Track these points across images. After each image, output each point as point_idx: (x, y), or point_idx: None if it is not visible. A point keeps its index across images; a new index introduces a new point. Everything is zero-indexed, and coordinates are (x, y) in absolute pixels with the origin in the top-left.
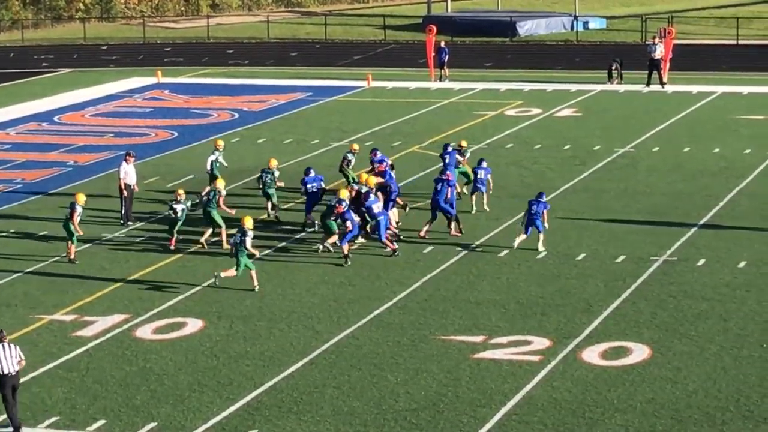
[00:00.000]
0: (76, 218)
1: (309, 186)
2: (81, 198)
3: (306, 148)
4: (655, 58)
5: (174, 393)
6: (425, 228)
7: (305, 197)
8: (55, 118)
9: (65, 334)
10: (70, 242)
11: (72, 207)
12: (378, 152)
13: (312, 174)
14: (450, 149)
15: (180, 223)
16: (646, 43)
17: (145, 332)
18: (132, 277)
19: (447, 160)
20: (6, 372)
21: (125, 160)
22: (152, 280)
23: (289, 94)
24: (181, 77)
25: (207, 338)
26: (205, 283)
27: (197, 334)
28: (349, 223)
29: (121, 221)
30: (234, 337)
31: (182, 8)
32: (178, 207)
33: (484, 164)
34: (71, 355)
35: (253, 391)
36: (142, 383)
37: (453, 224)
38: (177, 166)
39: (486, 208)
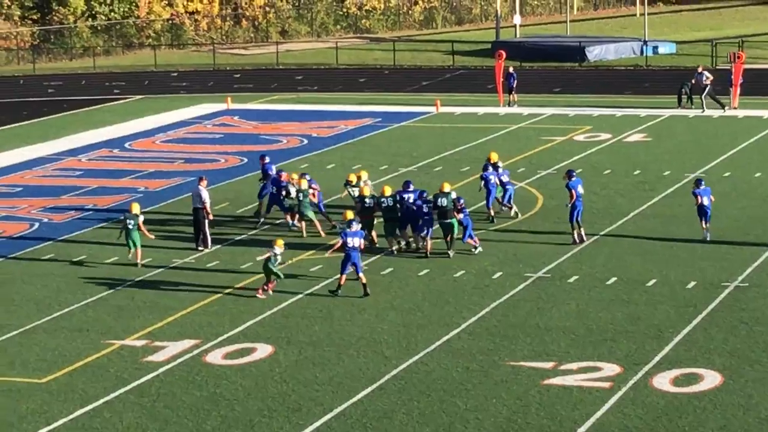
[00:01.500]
0: (143, 226)
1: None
2: (136, 207)
3: (374, 174)
4: (702, 84)
5: (244, 418)
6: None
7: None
8: (126, 145)
9: (136, 360)
10: (136, 249)
11: (130, 218)
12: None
13: (411, 187)
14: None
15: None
16: (698, 71)
17: (216, 357)
18: (202, 303)
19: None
20: None
21: (199, 185)
22: (222, 306)
23: (357, 119)
24: (251, 103)
25: (276, 364)
26: (277, 308)
27: (267, 359)
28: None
29: (195, 246)
30: (303, 362)
31: (252, 35)
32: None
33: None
34: (142, 380)
35: (322, 417)
36: (213, 408)
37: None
38: (246, 193)
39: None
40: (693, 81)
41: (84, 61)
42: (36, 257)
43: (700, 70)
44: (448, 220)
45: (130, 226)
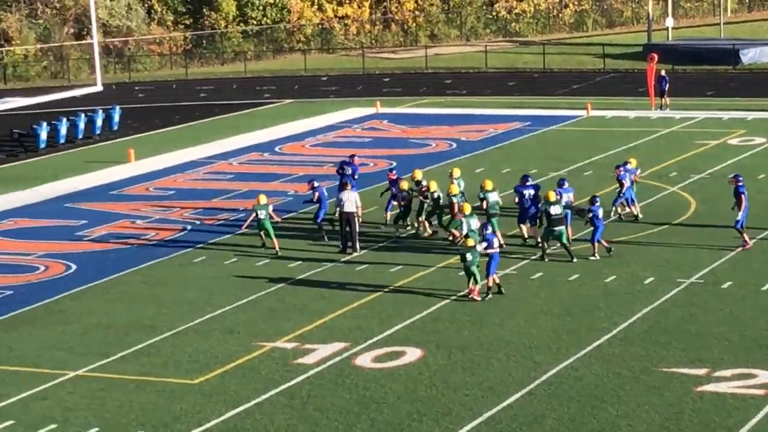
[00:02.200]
0: (274, 214)
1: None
2: (263, 198)
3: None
4: None
5: (393, 422)
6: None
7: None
8: (277, 148)
9: (286, 362)
10: (272, 239)
11: (260, 209)
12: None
13: (566, 185)
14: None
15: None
16: None
17: (365, 360)
18: (352, 306)
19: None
20: None
21: (344, 189)
22: (371, 309)
23: (507, 123)
24: (400, 107)
25: (426, 367)
26: (426, 311)
27: (416, 363)
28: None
29: (340, 249)
30: (453, 366)
31: (401, 39)
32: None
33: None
34: (292, 382)
35: (472, 422)
36: (362, 411)
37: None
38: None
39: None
40: None
41: (235, 66)
42: (188, 260)
43: None
44: (556, 229)
45: (262, 216)
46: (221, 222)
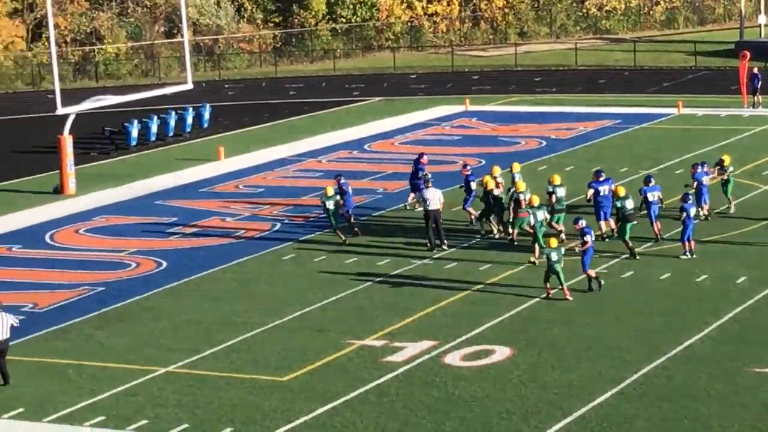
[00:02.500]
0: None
1: (649, 195)
2: (330, 189)
3: (614, 177)
4: None
5: (482, 420)
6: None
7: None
8: (366, 146)
9: (375, 360)
10: (337, 231)
11: (329, 200)
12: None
13: (653, 183)
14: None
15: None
16: None
17: (454, 359)
18: (440, 304)
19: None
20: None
21: (427, 187)
22: (460, 307)
23: (597, 121)
24: (489, 105)
25: (515, 366)
26: (515, 310)
27: (505, 361)
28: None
29: (429, 248)
30: (542, 365)
31: (490, 37)
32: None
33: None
34: (381, 380)
35: (561, 421)
36: (451, 410)
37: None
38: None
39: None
40: None
41: (324, 64)
42: (277, 257)
43: None
44: (626, 224)
45: (331, 207)
46: (310, 219)
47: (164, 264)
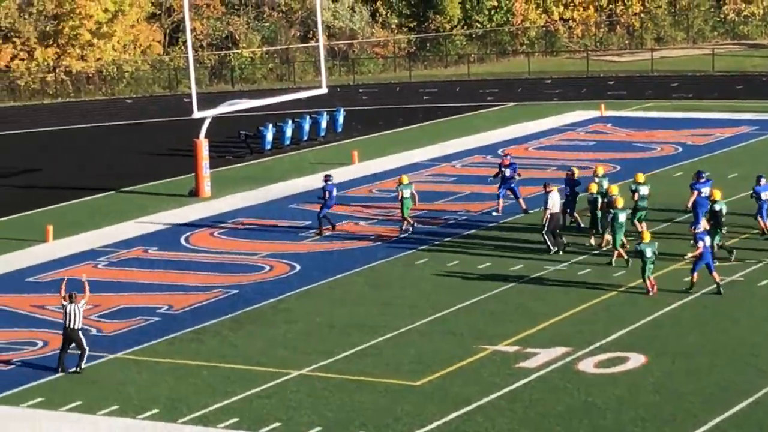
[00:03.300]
0: (416, 194)
1: (763, 194)
2: (405, 178)
3: (751, 184)
4: None
5: (615, 428)
6: None
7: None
8: (499, 151)
9: (508, 365)
10: (406, 218)
11: (404, 188)
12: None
13: (764, 182)
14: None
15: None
16: None
17: (587, 366)
18: (574, 310)
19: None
20: (72, 327)
21: (547, 191)
22: (594, 314)
23: (734, 127)
24: (624, 111)
25: (649, 373)
26: (650, 317)
27: (639, 368)
28: None
29: (554, 251)
30: (676, 373)
31: (626, 42)
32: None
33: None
34: (514, 386)
35: (695, 430)
36: (584, 417)
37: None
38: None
39: None
40: None
41: (458, 69)
42: (410, 261)
43: None
44: (716, 229)
45: (407, 195)
46: (443, 224)
47: (297, 267)
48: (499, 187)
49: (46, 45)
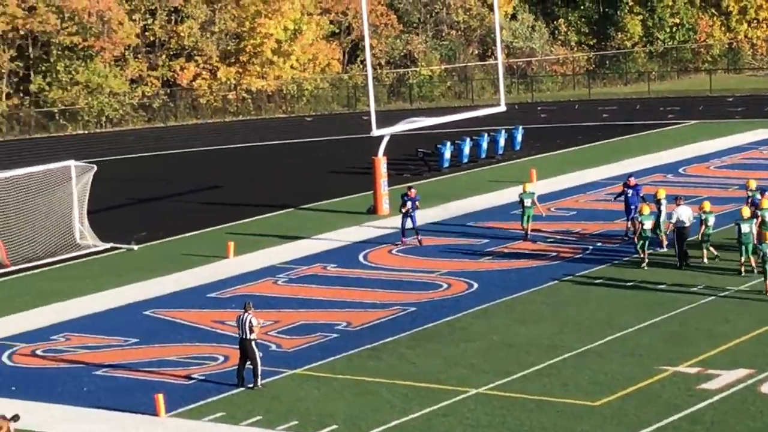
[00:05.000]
0: (538, 203)
1: None
2: (529, 186)
3: None
4: None
5: None
6: None
7: None
8: (680, 170)
9: (689, 387)
10: (528, 224)
11: (526, 197)
12: None
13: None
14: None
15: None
16: None
17: None
18: (757, 332)
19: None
20: (243, 336)
21: (677, 204)
22: None
23: None
24: None
25: None
26: None
27: None
28: None
29: (678, 266)
30: None
31: None
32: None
33: None
34: (695, 407)
35: None
36: None
37: None
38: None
39: None
40: None
41: (638, 86)
42: (589, 280)
43: None
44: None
45: (528, 204)
46: (622, 242)
47: (475, 285)
48: (627, 211)
49: (228, 63)
